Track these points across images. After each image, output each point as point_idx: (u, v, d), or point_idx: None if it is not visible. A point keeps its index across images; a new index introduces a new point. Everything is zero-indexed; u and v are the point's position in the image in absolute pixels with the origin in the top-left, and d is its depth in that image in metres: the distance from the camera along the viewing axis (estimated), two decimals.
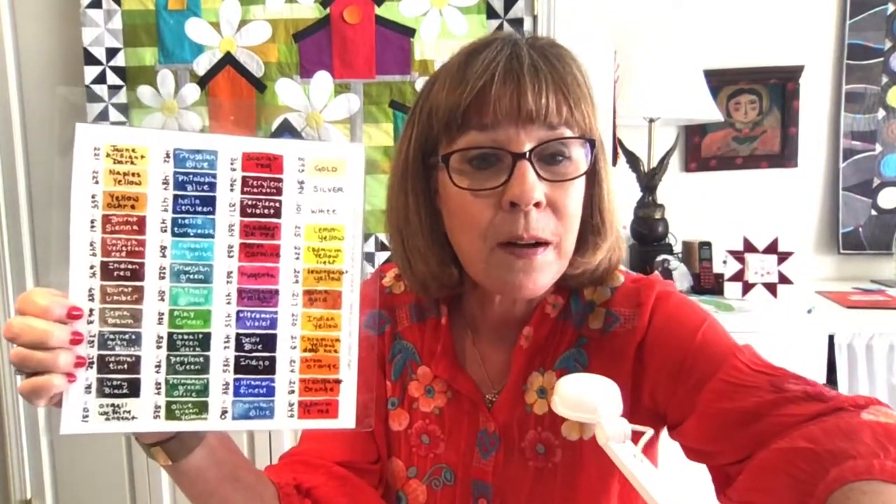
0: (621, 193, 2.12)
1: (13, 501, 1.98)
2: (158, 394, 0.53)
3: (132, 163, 0.53)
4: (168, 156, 0.54)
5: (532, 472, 0.72)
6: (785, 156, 2.25)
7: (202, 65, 1.75)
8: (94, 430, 0.52)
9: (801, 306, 1.86)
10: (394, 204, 0.71)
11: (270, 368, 0.54)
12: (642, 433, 0.60)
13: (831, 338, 1.75)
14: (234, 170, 0.55)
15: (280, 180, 0.55)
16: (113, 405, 0.52)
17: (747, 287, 1.96)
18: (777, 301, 1.93)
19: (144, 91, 1.77)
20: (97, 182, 0.53)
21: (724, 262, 1.99)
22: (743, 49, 2.22)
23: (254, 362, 0.54)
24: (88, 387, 0.52)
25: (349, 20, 1.73)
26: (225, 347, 0.54)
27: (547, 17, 1.70)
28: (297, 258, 0.55)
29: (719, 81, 2.20)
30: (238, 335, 0.54)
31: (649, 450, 0.67)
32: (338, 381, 0.56)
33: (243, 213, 0.55)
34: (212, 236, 0.54)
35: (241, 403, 0.54)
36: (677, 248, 2.15)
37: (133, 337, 0.53)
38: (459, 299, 0.77)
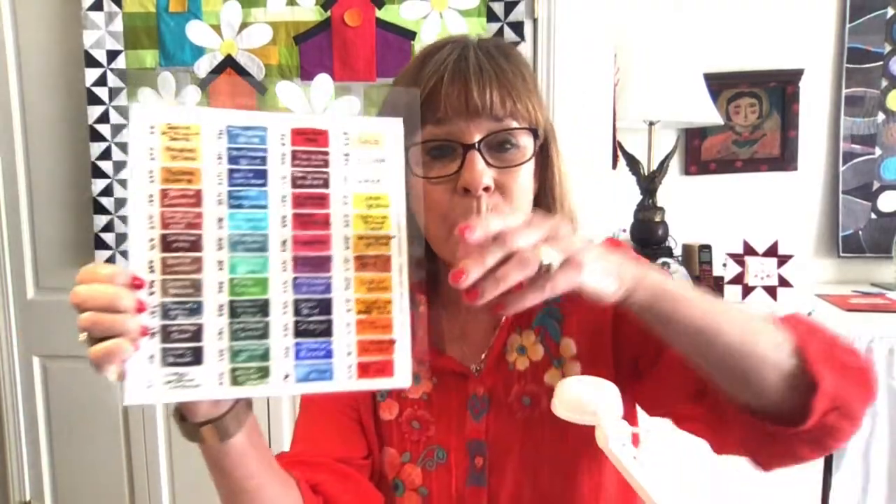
0: (621, 197, 2.11)
1: (12, 503, 1.98)
2: (222, 360, 0.53)
3: (187, 140, 0.55)
4: (221, 133, 0.56)
5: (521, 423, 0.78)
6: (785, 159, 2.26)
7: (203, 67, 1.75)
8: (158, 400, 0.52)
9: (801, 309, 1.86)
10: None
11: (328, 331, 0.56)
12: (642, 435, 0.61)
13: None
14: (283, 144, 0.57)
15: (327, 153, 0.58)
16: (177, 374, 0.52)
17: (747, 290, 1.96)
18: (777, 304, 1.93)
19: (145, 93, 1.77)
20: (153, 158, 0.54)
21: (724, 265, 1.99)
22: (743, 52, 2.22)
23: (312, 326, 0.56)
24: (151, 357, 0.52)
25: (350, 23, 1.73)
26: (284, 313, 0.55)
27: (547, 20, 1.71)
28: (347, 225, 0.58)
29: (719, 85, 2.21)
30: (296, 300, 0.55)
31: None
32: (392, 342, 0.57)
33: (294, 185, 0.57)
34: (266, 207, 0.56)
35: (302, 367, 0.55)
36: (677, 252, 2.15)
37: (194, 306, 0.53)
38: (434, 283, 0.81)
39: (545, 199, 0.78)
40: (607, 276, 0.56)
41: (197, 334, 0.53)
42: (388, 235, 0.58)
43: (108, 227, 1.81)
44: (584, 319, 0.79)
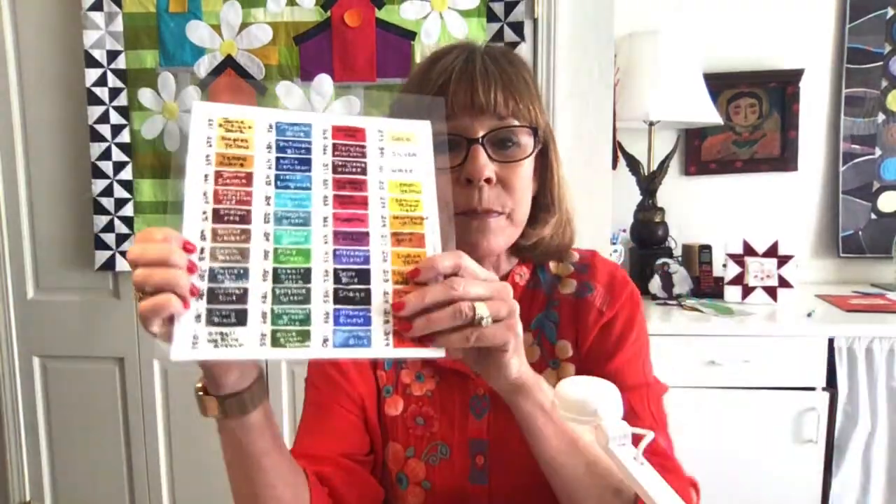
0: (621, 197, 2.11)
1: (12, 503, 1.98)
2: (264, 322, 0.55)
3: (241, 131, 0.62)
4: (271, 127, 0.63)
5: None
6: (785, 159, 2.26)
7: (203, 67, 1.75)
8: (203, 357, 0.54)
9: (801, 310, 1.86)
10: None
11: (366, 300, 0.58)
12: (642, 436, 0.61)
13: (831, 341, 1.75)
14: (325, 138, 0.65)
15: (364, 146, 0.65)
16: (221, 333, 0.54)
17: (747, 290, 1.96)
18: (777, 304, 1.93)
19: (145, 93, 1.77)
20: (210, 145, 0.61)
21: (724, 265, 2.00)
22: (743, 52, 2.22)
23: (351, 293, 0.58)
24: (198, 316, 0.54)
25: (350, 23, 1.73)
26: (324, 280, 0.58)
27: (547, 20, 1.71)
28: (384, 206, 0.63)
29: (719, 85, 2.21)
30: (336, 269, 0.59)
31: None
32: None
33: (335, 171, 0.63)
34: (309, 188, 0.62)
35: (341, 332, 0.57)
36: (677, 252, 2.15)
37: (241, 272, 0.57)
38: None
39: (544, 199, 0.83)
40: (517, 359, 0.61)
41: (242, 297, 0.56)
42: (422, 216, 0.63)
43: (109, 227, 1.81)
44: (577, 323, 0.83)
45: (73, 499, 1.99)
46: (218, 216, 0.58)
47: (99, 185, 1.80)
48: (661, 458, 0.74)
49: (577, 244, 0.89)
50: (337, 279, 0.58)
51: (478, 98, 0.74)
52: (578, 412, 0.62)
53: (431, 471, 0.82)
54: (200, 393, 0.62)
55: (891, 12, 2.18)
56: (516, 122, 0.76)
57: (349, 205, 0.62)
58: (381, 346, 0.57)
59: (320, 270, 0.58)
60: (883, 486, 1.79)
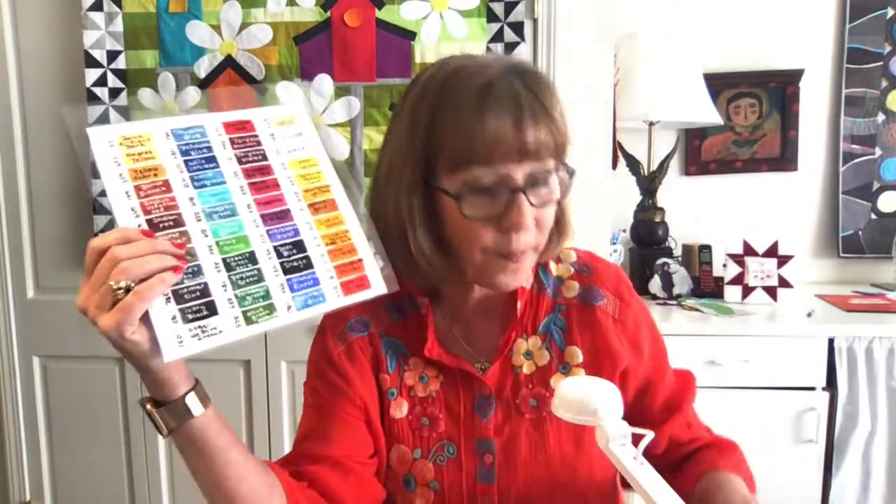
0: (621, 197, 2.11)
1: (12, 503, 1.98)
2: (233, 307, 0.61)
3: (142, 145, 0.66)
4: (168, 135, 0.67)
5: (528, 423, 0.82)
6: (785, 159, 2.26)
7: (203, 67, 1.75)
8: (192, 352, 0.59)
9: (801, 310, 1.86)
10: (395, 205, 0.76)
11: (309, 265, 0.67)
12: (642, 436, 0.61)
13: (831, 341, 1.75)
14: (220, 135, 0.70)
15: (256, 136, 0.72)
16: (200, 326, 0.59)
17: (747, 290, 1.96)
18: (777, 304, 1.93)
19: (145, 93, 1.77)
20: (119, 164, 0.64)
21: (724, 265, 2.00)
22: (743, 52, 2.22)
23: (295, 263, 0.66)
24: (174, 318, 0.59)
25: (350, 23, 1.73)
26: (269, 258, 0.65)
27: (547, 20, 1.71)
28: (293, 184, 0.70)
29: (719, 85, 2.21)
30: (275, 247, 0.66)
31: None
32: (360, 261, 0.69)
33: (240, 162, 0.69)
34: (224, 182, 0.67)
35: (299, 297, 0.65)
36: (677, 252, 2.15)
37: (195, 269, 0.61)
38: (437, 291, 0.85)
39: (561, 220, 0.82)
40: None
41: (205, 291, 0.61)
42: (327, 184, 0.72)
43: (109, 228, 1.81)
44: (593, 332, 0.84)
45: (73, 499, 1.98)
46: (153, 225, 0.62)
47: (99, 184, 1.79)
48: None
49: (576, 244, 0.89)
50: (279, 254, 0.66)
51: (524, 143, 0.70)
52: (578, 412, 0.62)
53: (439, 471, 0.81)
54: (155, 409, 0.63)
55: (891, 12, 2.18)
56: (552, 162, 0.73)
57: (264, 189, 0.68)
58: (335, 298, 0.66)
59: (262, 251, 0.65)
60: (883, 486, 1.78)
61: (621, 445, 0.60)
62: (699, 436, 0.90)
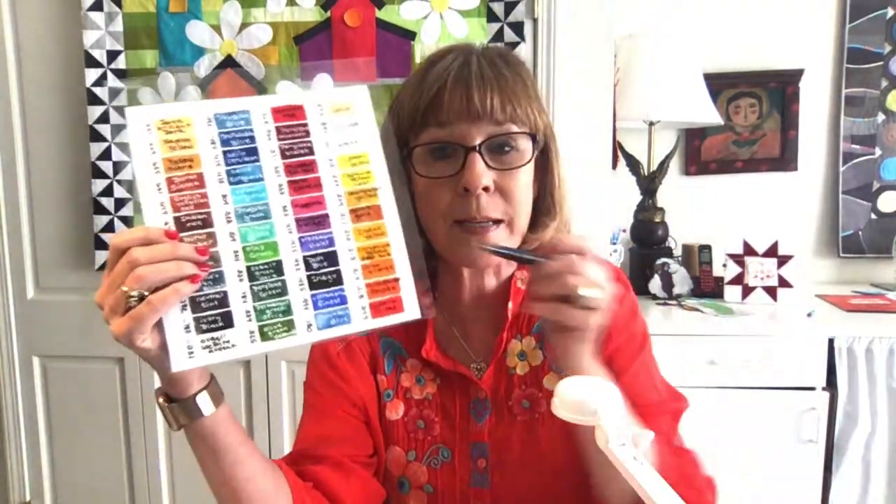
0: (621, 197, 2.11)
1: (12, 503, 1.98)
2: (250, 321, 0.58)
3: (181, 131, 0.61)
4: (210, 120, 0.62)
5: (521, 426, 0.81)
6: (785, 159, 2.26)
7: (203, 67, 1.75)
8: (201, 363, 0.57)
9: (801, 310, 1.86)
10: None
11: (339, 280, 0.61)
12: (642, 436, 0.60)
13: (831, 341, 1.75)
14: (266, 122, 0.63)
15: (306, 125, 0.65)
16: (213, 338, 0.57)
17: (747, 290, 1.96)
18: (777, 304, 1.93)
19: (145, 93, 1.77)
20: (154, 152, 0.60)
21: (724, 265, 1.99)
22: (743, 52, 2.22)
23: (324, 277, 0.61)
24: (187, 327, 0.56)
25: (350, 23, 1.73)
26: (296, 269, 0.61)
27: (547, 20, 1.71)
28: (337, 185, 0.64)
29: (719, 85, 2.21)
30: (305, 257, 0.61)
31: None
32: (396, 280, 0.63)
33: (283, 156, 0.63)
34: (262, 180, 0.62)
35: (322, 315, 0.60)
36: (677, 252, 2.15)
37: (217, 276, 0.58)
38: (434, 284, 0.83)
39: (545, 202, 0.80)
40: (586, 347, 0.67)
41: (223, 300, 0.58)
42: (375, 187, 0.65)
43: (109, 227, 1.81)
44: None
45: (73, 499, 1.99)
46: (180, 224, 0.58)
47: (99, 185, 1.80)
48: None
49: None
50: (308, 266, 0.61)
51: (473, 104, 0.72)
52: (578, 412, 0.62)
53: (433, 474, 0.81)
54: (167, 405, 0.62)
55: (891, 12, 2.18)
56: (515, 128, 0.74)
57: (304, 189, 0.63)
58: (361, 320, 0.61)
59: (290, 261, 0.60)
60: (883, 486, 1.78)
61: (621, 445, 0.60)
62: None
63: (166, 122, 0.61)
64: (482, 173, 0.71)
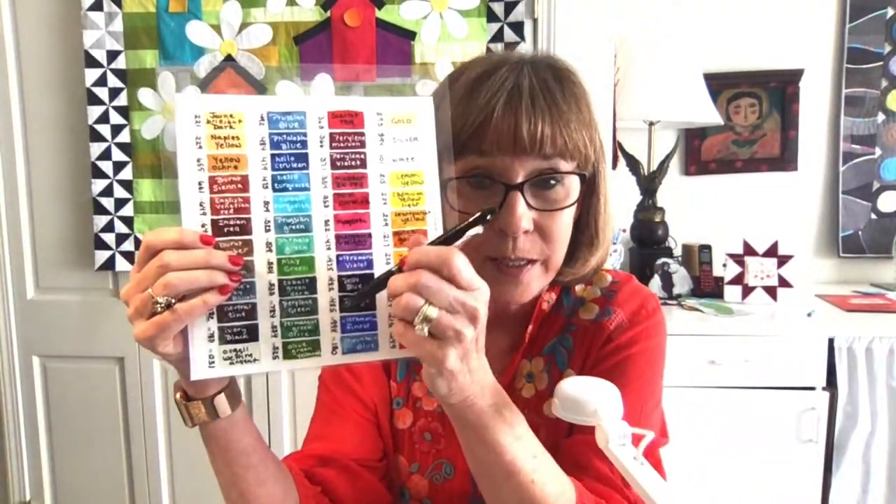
0: (621, 197, 2.10)
1: (12, 503, 1.98)
2: (275, 336, 0.56)
3: (231, 127, 0.58)
4: (263, 119, 0.58)
5: None
6: (785, 159, 2.26)
7: (203, 67, 1.75)
8: (221, 374, 0.56)
9: (801, 310, 1.86)
10: None
11: (371, 305, 0.58)
12: (642, 436, 0.60)
13: (831, 341, 1.75)
14: (321, 127, 0.59)
15: (363, 134, 0.60)
16: (235, 350, 0.56)
17: (747, 290, 1.96)
18: (777, 304, 1.93)
19: (145, 93, 1.77)
20: (200, 147, 0.57)
21: (724, 265, 1.99)
22: (743, 52, 2.22)
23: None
24: (211, 335, 0.55)
25: (350, 23, 1.73)
26: (330, 289, 0.58)
27: (547, 20, 1.71)
28: (385, 203, 0.60)
29: (719, 85, 2.21)
30: (340, 277, 0.58)
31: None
32: None
33: (333, 166, 0.59)
34: (308, 189, 0.59)
35: (349, 339, 0.58)
36: (677, 252, 2.15)
37: (247, 286, 0.56)
38: None
39: (587, 232, 0.75)
40: (444, 382, 0.55)
41: (251, 312, 0.56)
42: (424, 211, 0.60)
43: (109, 227, 1.81)
44: (588, 349, 0.78)
45: (73, 499, 1.98)
46: (218, 228, 0.56)
47: (99, 185, 1.80)
48: None
49: None
50: (342, 287, 0.58)
51: (521, 135, 0.65)
52: (578, 412, 0.62)
53: (434, 489, 0.79)
54: (184, 402, 0.61)
55: (891, 12, 2.18)
56: (563, 164, 0.68)
57: (350, 204, 0.59)
58: (388, 349, 0.58)
59: (325, 279, 0.58)
60: (883, 486, 1.78)
61: (621, 445, 0.60)
62: (605, 476, 0.72)
63: (217, 115, 0.57)
64: (523, 216, 0.66)
